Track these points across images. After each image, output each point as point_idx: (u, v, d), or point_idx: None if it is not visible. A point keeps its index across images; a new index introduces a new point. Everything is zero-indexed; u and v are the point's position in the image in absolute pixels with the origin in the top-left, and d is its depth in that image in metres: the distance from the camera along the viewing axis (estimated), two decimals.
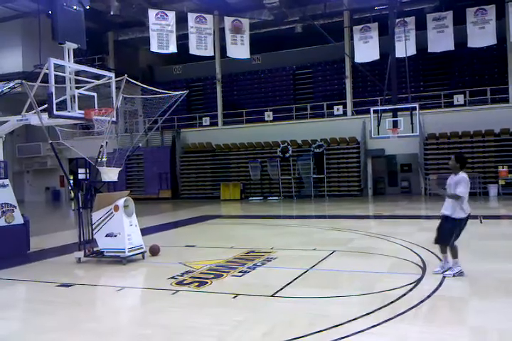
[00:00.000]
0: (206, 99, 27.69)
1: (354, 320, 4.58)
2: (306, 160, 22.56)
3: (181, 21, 20.92)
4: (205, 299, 5.54)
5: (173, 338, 4.39)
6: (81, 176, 10.64)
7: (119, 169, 8.32)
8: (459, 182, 6.03)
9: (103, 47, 26.58)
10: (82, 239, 7.99)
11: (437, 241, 6.32)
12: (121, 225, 7.69)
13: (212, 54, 22.19)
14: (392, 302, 5.11)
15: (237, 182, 23.78)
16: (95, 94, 8.83)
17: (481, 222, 8.93)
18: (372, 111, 17.91)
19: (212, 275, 6.57)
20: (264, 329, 4.45)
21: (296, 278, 6.33)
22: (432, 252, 7.66)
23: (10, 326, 5.01)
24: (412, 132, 17.42)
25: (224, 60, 24.54)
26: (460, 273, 6.11)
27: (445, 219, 6.19)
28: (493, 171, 19.98)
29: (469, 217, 6.15)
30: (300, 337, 4.20)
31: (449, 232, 6.11)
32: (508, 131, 20.27)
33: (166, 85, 25.05)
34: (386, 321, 4.52)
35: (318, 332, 4.31)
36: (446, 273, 6.15)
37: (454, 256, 6.17)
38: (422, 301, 5.11)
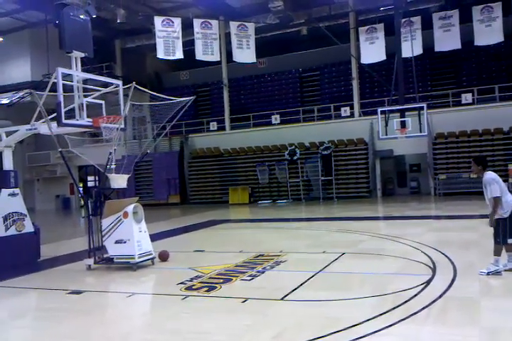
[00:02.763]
0: (213, 104, 27.79)
1: (365, 321, 4.56)
2: (314, 162, 22.52)
3: (187, 27, 21.04)
4: (215, 304, 5.55)
5: None
6: (90, 183, 10.72)
7: (128, 176, 8.37)
8: (486, 185, 6.06)
9: (110, 55, 26.80)
10: (91, 246, 8.05)
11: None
12: (131, 231, 7.73)
13: (218, 59, 22.27)
14: (403, 303, 5.08)
15: (245, 186, 23.81)
16: (103, 102, 8.91)
17: None
18: (379, 112, 17.85)
19: (222, 280, 6.58)
20: (273, 332, 4.45)
21: (305, 281, 6.31)
22: (441, 253, 7.62)
23: (23, 334, 5.06)
24: (420, 132, 17.34)
25: (230, 64, 24.62)
26: (497, 273, 6.06)
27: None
28: (503, 169, 19.77)
29: None
30: (311, 340, 4.19)
31: (496, 230, 6.12)
32: None
33: (174, 91, 25.28)
34: (398, 322, 4.50)
35: (329, 334, 4.30)
36: (481, 270, 6.13)
37: (496, 253, 6.12)
38: (433, 302, 5.08)
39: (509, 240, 6.09)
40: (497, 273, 6.06)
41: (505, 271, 6.12)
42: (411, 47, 18.88)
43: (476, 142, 20.52)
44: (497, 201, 5.98)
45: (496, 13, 19.61)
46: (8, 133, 9.18)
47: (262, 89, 27.07)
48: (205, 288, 6.18)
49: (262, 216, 17.72)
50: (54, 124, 8.09)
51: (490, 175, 6.12)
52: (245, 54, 21.91)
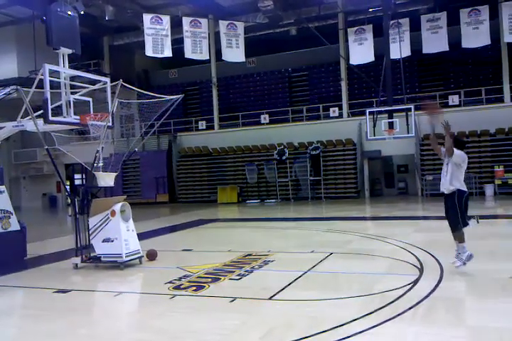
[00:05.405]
0: (202, 103, 27.73)
1: (353, 321, 4.57)
2: (303, 162, 22.58)
3: (176, 25, 20.95)
4: (203, 303, 5.52)
5: None
6: (77, 181, 10.64)
7: (116, 174, 8.31)
8: (455, 157, 6.04)
9: (98, 52, 26.60)
10: (79, 245, 7.97)
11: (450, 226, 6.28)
12: (118, 230, 7.68)
13: (207, 58, 22.22)
14: (390, 303, 5.10)
15: (234, 185, 23.79)
16: (91, 99, 8.83)
17: (477, 222, 8.97)
18: (367, 113, 17.93)
19: (210, 279, 6.56)
20: (262, 332, 4.44)
21: (293, 281, 6.32)
22: (428, 253, 7.68)
23: (6, 333, 4.98)
24: (408, 133, 17.45)
25: (219, 63, 24.58)
26: (470, 257, 6.10)
27: (446, 198, 6.20)
28: (489, 171, 20.03)
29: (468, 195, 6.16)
30: (299, 340, 4.19)
31: (453, 213, 6.09)
32: (503, 130, 20.35)
33: (162, 89, 25.14)
34: (385, 322, 4.52)
35: (317, 334, 4.30)
36: (457, 264, 6.17)
37: (460, 240, 6.14)
38: (420, 301, 5.11)
39: (469, 222, 6.14)
40: (470, 257, 6.11)
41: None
42: (399, 48, 19.01)
43: None
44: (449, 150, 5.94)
45: (483, 16, 19.83)
46: None
47: (251, 88, 27.06)
48: (193, 288, 6.16)
49: (250, 215, 17.72)
50: (40, 121, 8.01)
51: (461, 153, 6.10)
52: (234, 53, 21.88)
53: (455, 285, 5.80)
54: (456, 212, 6.06)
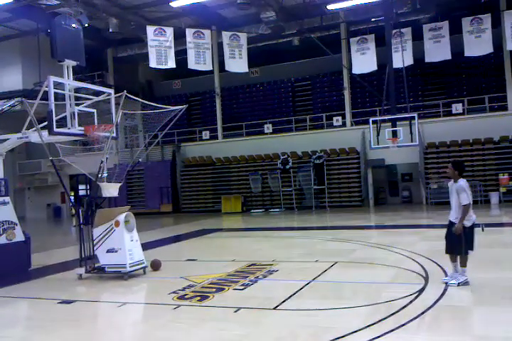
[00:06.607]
0: (206, 113, 27.82)
1: (358, 331, 4.55)
2: (307, 171, 22.57)
3: (179, 37, 21.14)
4: (207, 313, 5.50)
5: None
6: (82, 192, 10.67)
7: (120, 184, 8.34)
8: (460, 191, 6.03)
9: (102, 63, 26.81)
10: (83, 255, 7.98)
11: (448, 250, 6.24)
12: (122, 240, 7.68)
13: (210, 68, 22.37)
14: (395, 312, 5.07)
15: (238, 195, 23.78)
16: (95, 111, 8.89)
17: (482, 230, 8.90)
18: (371, 122, 17.95)
19: (214, 289, 6.54)
20: None
21: (298, 290, 6.29)
22: (434, 261, 7.63)
23: None
24: (412, 141, 17.43)
25: (223, 73, 24.72)
26: (465, 283, 6.04)
27: (452, 227, 6.16)
28: (493, 179, 19.96)
29: (474, 225, 6.12)
30: None
31: (458, 240, 6.03)
32: (507, 138, 20.33)
33: (166, 100, 25.35)
34: (390, 331, 4.49)
35: None
36: (451, 282, 6.09)
37: (463, 264, 6.09)
38: (425, 311, 5.07)
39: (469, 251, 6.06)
40: (465, 283, 6.03)
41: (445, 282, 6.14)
42: (402, 57, 19.06)
43: (467, 152, 20.69)
44: (467, 209, 5.97)
45: (485, 25, 19.89)
46: None
47: (255, 98, 27.16)
48: (198, 298, 6.14)
49: (254, 225, 17.67)
50: (45, 133, 8.06)
51: (464, 182, 6.12)
52: (238, 63, 22.03)
53: (461, 294, 5.75)
54: (462, 241, 6.01)
